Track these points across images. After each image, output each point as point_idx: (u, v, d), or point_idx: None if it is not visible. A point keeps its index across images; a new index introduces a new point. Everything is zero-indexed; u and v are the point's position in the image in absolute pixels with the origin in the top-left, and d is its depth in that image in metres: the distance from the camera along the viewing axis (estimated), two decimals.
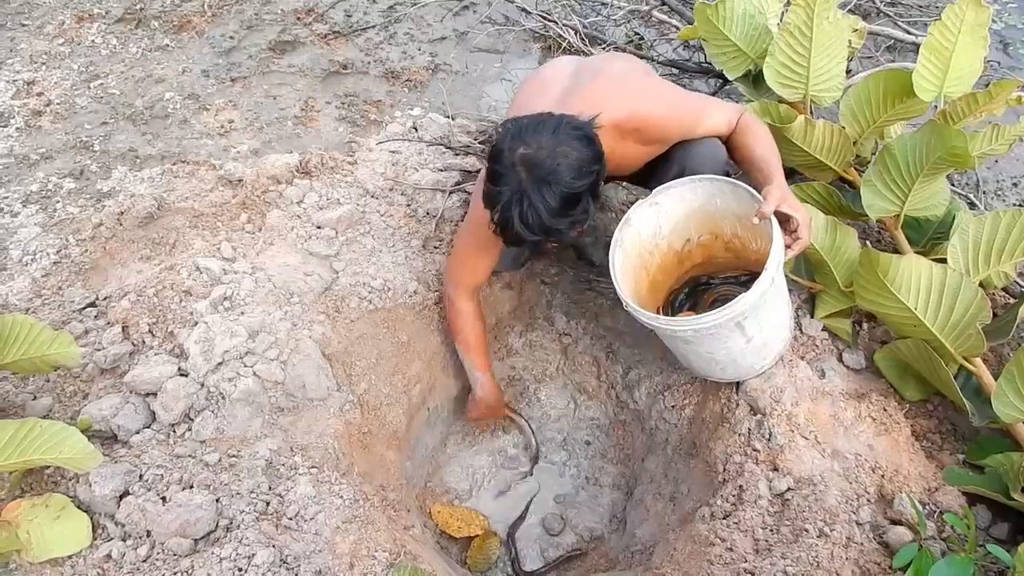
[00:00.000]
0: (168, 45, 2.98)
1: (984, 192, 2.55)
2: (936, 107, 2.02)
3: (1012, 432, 1.69)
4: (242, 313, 1.86)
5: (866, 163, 2.23)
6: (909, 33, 3.05)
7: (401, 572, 1.53)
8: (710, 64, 2.77)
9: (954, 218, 1.97)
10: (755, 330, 1.75)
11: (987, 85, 1.90)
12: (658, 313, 2.09)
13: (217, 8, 3.15)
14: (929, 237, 2.04)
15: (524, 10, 3.12)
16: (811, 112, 2.18)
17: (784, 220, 1.70)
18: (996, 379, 1.68)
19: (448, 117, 2.69)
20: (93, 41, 2.97)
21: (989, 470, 1.73)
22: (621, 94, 1.79)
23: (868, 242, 2.10)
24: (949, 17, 1.86)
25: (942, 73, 1.90)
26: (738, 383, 1.93)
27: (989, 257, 1.79)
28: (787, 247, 1.70)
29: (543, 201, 1.52)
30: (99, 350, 1.84)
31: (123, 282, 2.00)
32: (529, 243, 1.64)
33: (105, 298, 1.97)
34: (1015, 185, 2.62)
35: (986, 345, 1.69)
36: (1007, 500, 1.64)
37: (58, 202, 2.30)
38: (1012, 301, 2.05)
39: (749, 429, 1.83)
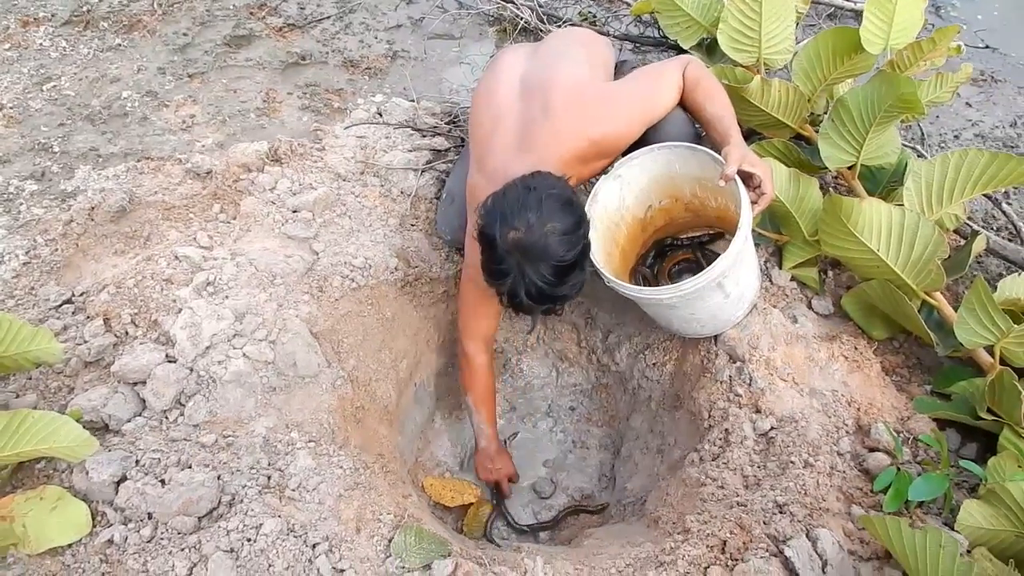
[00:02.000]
0: (120, 45, 2.93)
1: (929, 145, 2.67)
2: (880, 65, 2.12)
3: (975, 358, 1.79)
4: (226, 297, 1.86)
5: (819, 121, 2.32)
6: (848, 0, 3.18)
7: (408, 533, 1.56)
8: (663, 38, 2.86)
9: (906, 165, 2.08)
10: (733, 286, 1.83)
11: None
12: (628, 281, 2.15)
13: (167, 6, 3.11)
14: (884, 185, 2.13)
15: None
16: (764, 75, 2.27)
17: (746, 177, 1.77)
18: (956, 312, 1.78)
19: (412, 101, 2.71)
20: (41, 44, 2.91)
21: (955, 396, 1.83)
22: (576, 123, 1.83)
23: (832, 189, 2.20)
24: None
25: (887, 26, 1.99)
26: (716, 335, 2.00)
27: (942, 196, 1.89)
28: (753, 203, 1.78)
29: (543, 278, 1.60)
30: (81, 344, 1.82)
31: (99, 277, 1.98)
32: (539, 311, 1.73)
33: (82, 293, 1.95)
34: (956, 137, 2.76)
35: (946, 278, 1.79)
36: (974, 421, 1.74)
37: (21, 204, 2.26)
38: (964, 242, 2.17)
39: (730, 376, 1.90)
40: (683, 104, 1.95)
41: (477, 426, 2.17)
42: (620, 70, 2.18)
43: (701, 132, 2.08)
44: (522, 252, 1.59)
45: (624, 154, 1.95)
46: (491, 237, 1.62)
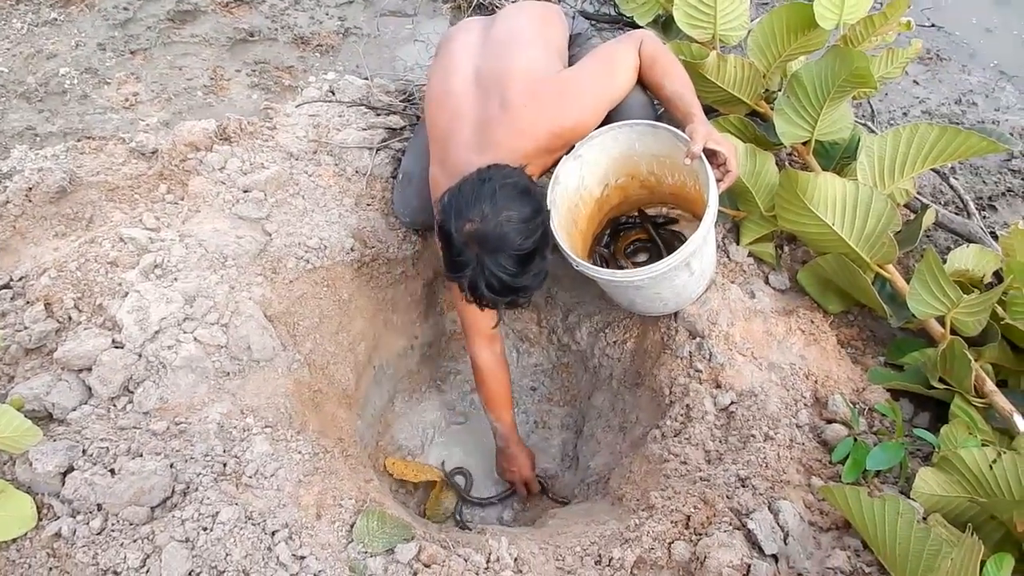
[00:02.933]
0: (56, 19, 2.80)
1: (879, 122, 2.72)
2: (833, 40, 2.14)
3: (926, 329, 1.83)
4: (175, 279, 1.79)
5: (774, 97, 2.34)
6: None
7: (370, 517, 1.53)
8: (619, 15, 2.84)
9: (859, 140, 2.11)
10: (698, 264, 1.83)
11: None
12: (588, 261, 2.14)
13: None
14: (837, 160, 2.16)
15: None
16: (720, 51, 2.27)
17: (711, 155, 1.76)
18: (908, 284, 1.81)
19: (365, 79, 2.65)
20: None
21: (908, 367, 1.87)
22: (536, 116, 1.79)
23: (789, 165, 2.22)
24: None
25: (840, 1, 2.01)
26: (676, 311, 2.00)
27: (894, 171, 1.92)
28: (717, 180, 1.77)
29: (502, 268, 1.57)
30: (21, 330, 1.74)
31: (39, 260, 1.89)
32: (503, 304, 1.69)
33: (21, 278, 1.85)
34: (905, 114, 2.81)
35: (898, 251, 1.82)
36: (927, 391, 1.78)
37: None
38: (914, 216, 2.21)
39: (690, 352, 1.91)
40: (641, 82, 1.94)
41: (491, 426, 2.13)
42: (575, 42, 2.16)
43: (660, 110, 2.07)
44: (479, 243, 1.56)
45: None
46: (448, 231, 1.59)
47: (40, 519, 1.47)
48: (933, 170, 2.23)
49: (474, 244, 1.57)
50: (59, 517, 1.46)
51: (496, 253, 1.57)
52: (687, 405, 1.83)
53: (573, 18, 2.23)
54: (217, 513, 1.44)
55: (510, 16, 2.08)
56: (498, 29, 2.02)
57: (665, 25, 2.50)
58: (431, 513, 2.09)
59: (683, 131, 1.78)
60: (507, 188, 1.60)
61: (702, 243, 1.73)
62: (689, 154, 1.72)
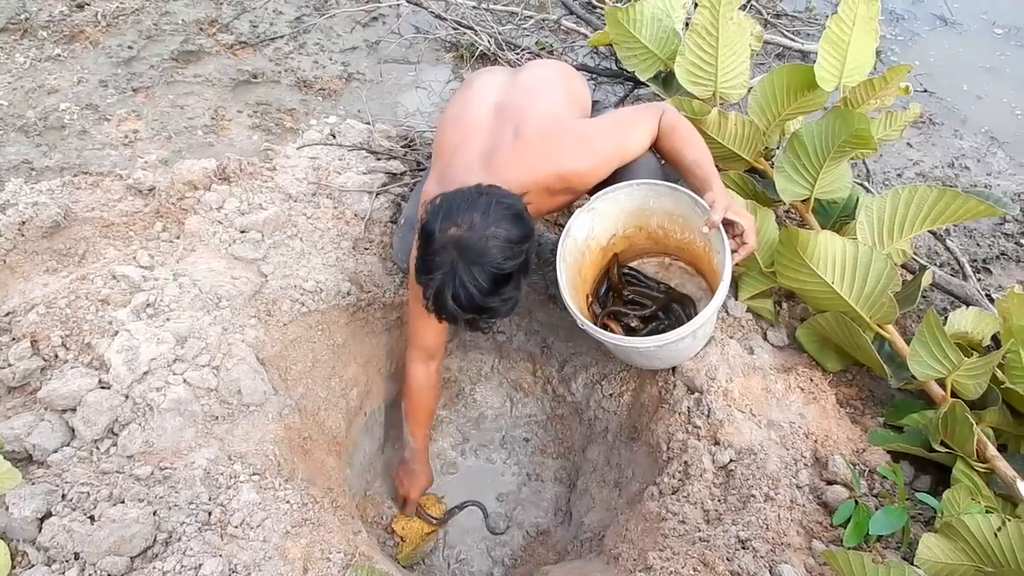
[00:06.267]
0: (60, 55, 2.81)
1: (874, 183, 2.75)
2: (833, 102, 2.17)
3: (926, 390, 1.82)
4: (167, 319, 1.76)
5: (772, 155, 2.36)
6: (794, 41, 3.28)
7: (358, 572, 1.48)
8: (620, 70, 2.88)
9: (857, 200, 2.13)
10: (702, 330, 1.82)
11: None
12: (585, 308, 2.12)
13: (112, 18, 2.99)
14: (835, 219, 2.17)
15: (439, 17, 3.14)
16: (720, 108, 2.30)
17: (728, 225, 1.76)
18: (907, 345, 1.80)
19: (367, 123, 2.66)
20: None
21: (908, 429, 1.85)
22: (545, 154, 1.79)
23: (787, 222, 2.23)
24: (844, 11, 2.01)
25: (840, 63, 2.04)
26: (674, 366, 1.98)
27: (893, 231, 1.93)
28: (733, 251, 1.76)
29: (474, 281, 1.52)
30: (4, 367, 1.69)
31: (28, 296, 1.85)
32: (463, 321, 1.63)
33: (7, 314, 1.81)
34: (899, 175, 2.84)
35: (898, 311, 1.82)
36: (928, 454, 1.75)
37: None
38: (910, 277, 2.22)
39: (688, 408, 1.88)
40: (659, 149, 1.93)
41: (405, 437, 2.10)
42: (593, 109, 2.18)
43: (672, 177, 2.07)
44: (459, 250, 1.52)
45: (594, 190, 1.93)
46: (430, 231, 1.54)
47: (14, 567, 1.41)
48: (930, 232, 2.25)
49: (453, 249, 1.52)
50: (34, 566, 1.40)
51: (473, 264, 1.52)
52: (685, 462, 1.80)
53: (594, 88, 2.27)
54: (200, 565, 1.38)
55: (536, 68, 2.13)
56: (526, 75, 2.06)
57: (665, 81, 2.53)
58: (404, 556, 2.02)
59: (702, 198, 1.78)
60: (501, 206, 1.57)
61: (713, 314, 1.72)
62: (708, 223, 1.71)
